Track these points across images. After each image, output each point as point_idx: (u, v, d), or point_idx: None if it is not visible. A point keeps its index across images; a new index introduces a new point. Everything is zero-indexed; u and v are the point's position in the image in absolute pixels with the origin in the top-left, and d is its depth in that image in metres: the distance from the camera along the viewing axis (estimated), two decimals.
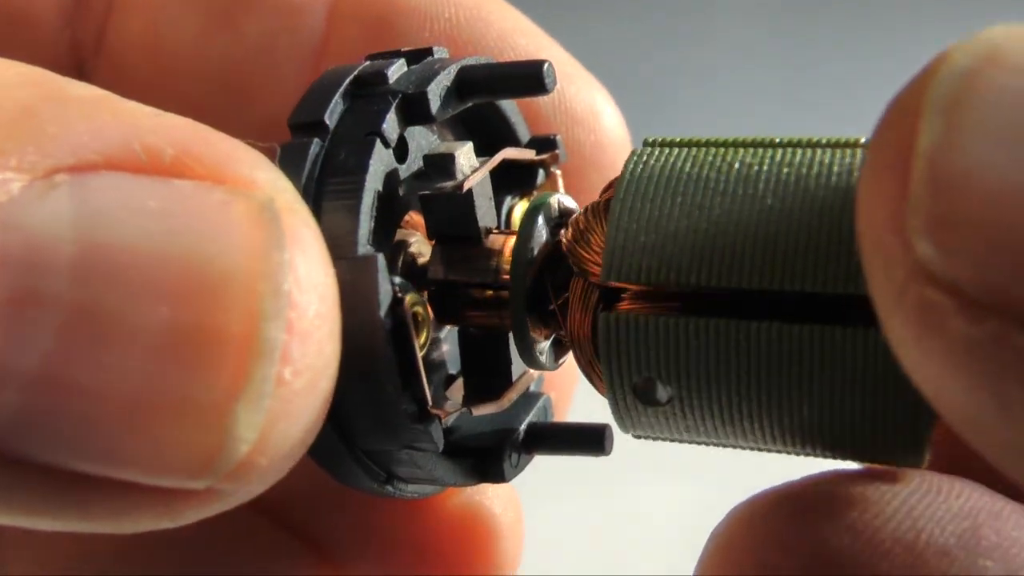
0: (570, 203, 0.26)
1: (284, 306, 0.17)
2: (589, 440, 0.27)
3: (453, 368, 0.29)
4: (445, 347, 0.29)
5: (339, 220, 0.22)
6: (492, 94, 0.26)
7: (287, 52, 0.31)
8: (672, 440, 0.23)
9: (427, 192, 0.25)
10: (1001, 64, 0.15)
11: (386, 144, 0.24)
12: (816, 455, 0.22)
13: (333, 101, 0.24)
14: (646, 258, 0.20)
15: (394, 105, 0.24)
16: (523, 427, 0.27)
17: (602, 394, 0.23)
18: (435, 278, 0.26)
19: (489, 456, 0.26)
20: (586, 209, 0.23)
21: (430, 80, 0.24)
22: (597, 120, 0.32)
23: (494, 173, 0.26)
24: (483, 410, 0.26)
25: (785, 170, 0.20)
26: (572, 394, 0.34)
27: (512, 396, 0.27)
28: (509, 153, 0.27)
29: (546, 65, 0.25)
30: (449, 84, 0.25)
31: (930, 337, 0.15)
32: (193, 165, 0.18)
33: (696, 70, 1.03)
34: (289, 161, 0.23)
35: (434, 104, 0.24)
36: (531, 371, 0.28)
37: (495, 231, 0.26)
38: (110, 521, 0.19)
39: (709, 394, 0.21)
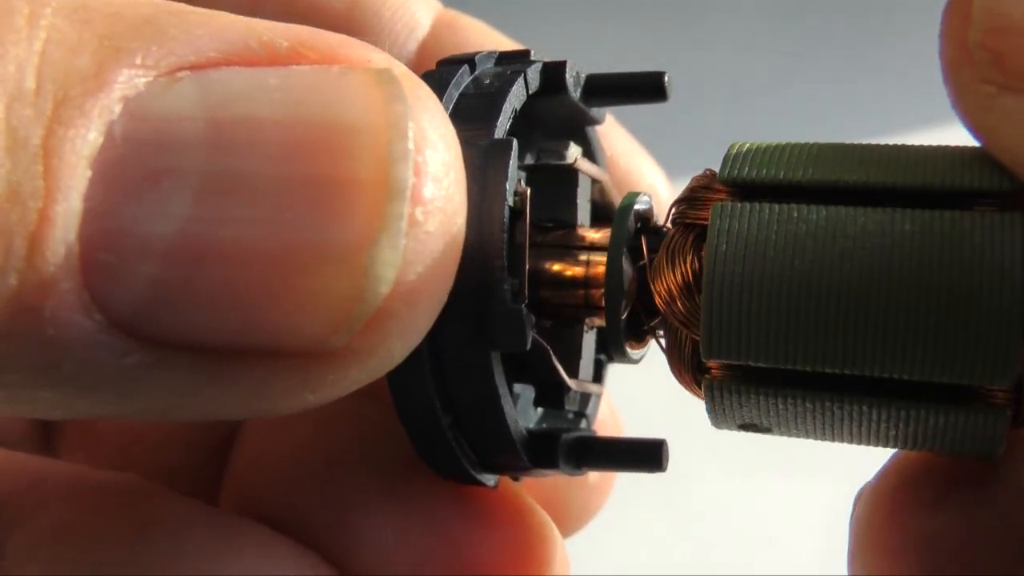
0: (651, 203, 0.26)
1: (410, 150, 0.18)
2: (645, 456, 0.26)
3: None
4: None
5: (474, 116, 0.23)
6: (615, 98, 0.27)
7: None
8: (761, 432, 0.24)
9: (535, 163, 0.26)
10: None
11: (526, 87, 0.25)
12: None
13: (462, 68, 0.25)
14: (744, 341, 0.21)
15: (536, 65, 0.25)
16: (573, 437, 0.27)
17: (694, 395, 0.24)
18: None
19: (545, 438, 0.25)
20: (668, 244, 0.23)
21: (563, 63, 0.26)
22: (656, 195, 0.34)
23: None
24: (558, 371, 0.25)
25: (869, 252, 0.20)
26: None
27: (585, 386, 0.27)
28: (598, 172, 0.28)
29: (666, 75, 0.26)
30: (580, 71, 0.26)
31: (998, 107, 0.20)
32: (308, 53, 0.19)
33: (695, 71, 1.03)
34: (429, 79, 0.24)
35: (569, 77, 0.26)
36: (592, 384, 0.28)
37: (586, 229, 0.27)
38: (251, 399, 0.19)
39: (804, 434, 0.23)
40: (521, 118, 0.25)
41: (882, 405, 0.21)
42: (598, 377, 0.30)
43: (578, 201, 0.27)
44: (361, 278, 0.18)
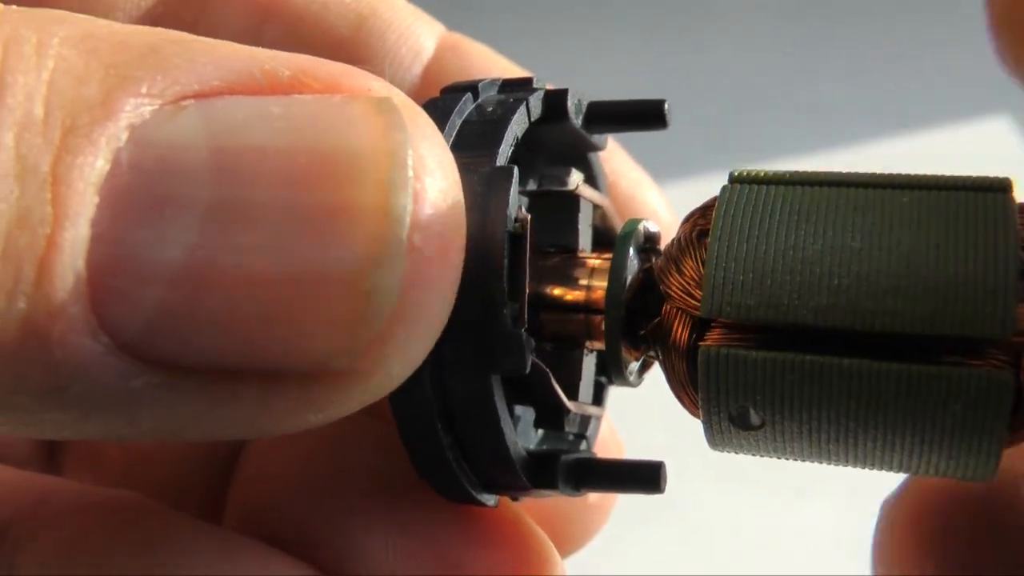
0: (654, 228, 0.27)
1: (409, 177, 0.18)
2: (643, 477, 0.26)
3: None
4: None
5: (477, 144, 0.24)
6: (616, 125, 0.28)
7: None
8: (759, 456, 0.24)
9: (537, 189, 0.26)
10: None
11: (528, 115, 0.25)
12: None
13: (465, 96, 0.25)
14: (744, 296, 0.21)
15: (539, 93, 0.26)
16: (572, 459, 0.27)
17: (691, 414, 0.24)
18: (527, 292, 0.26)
19: (545, 459, 0.26)
20: (678, 240, 0.24)
21: (564, 91, 0.26)
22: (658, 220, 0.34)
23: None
24: (558, 394, 0.26)
25: (871, 213, 0.21)
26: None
27: (585, 408, 0.27)
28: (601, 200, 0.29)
29: (666, 103, 0.27)
30: (581, 99, 0.27)
31: None
32: (310, 82, 0.19)
33: (694, 73, 1.03)
34: (433, 107, 0.24)
35: (571, 104, 0.26)
36: (592, 407, 0.29)
37: (587, 254, 0.27)
38: (255, 419, 0.19)
39: (799, 422, 0.22)
40: (523, 145, 0.25)
41: (882, 370, 0.21)
42: (598, 399, 0.30)
43: (579, 227, 0.28)
44: (362, 302, 0.18)
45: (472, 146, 0.24)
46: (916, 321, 0.20)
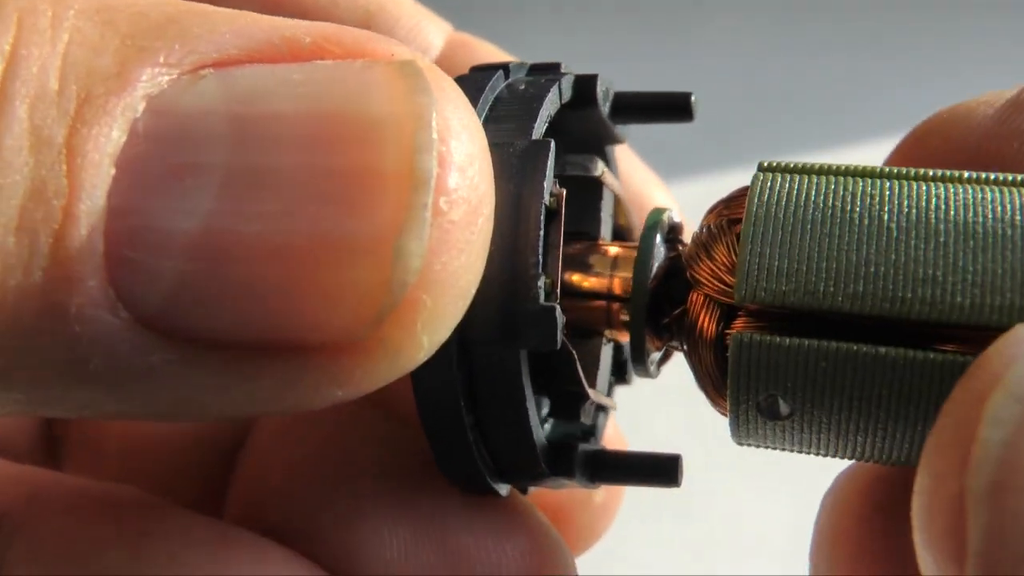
0: (677, 219, 0.27)
1: (434, 140, 0.18)
2: (660, 470, 0.26)
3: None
4: None
5: (510, 118, 0.23)
6: (642, 115, 0.27)
7: None
8: (782, 450, 0.24)
9: (562, 174, 0.26)
10: None
11: (560, 96, 0.25)
12: None
13: (498, 73, 0.25)
14: (780, 281, 0.21)
15: (569, 77, 0.25)
16: (588, 450, 0.26)
17: (714, 404, 0.24)
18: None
19: (562, 447, 0.25)
20: (708, 227, 0.24)
21: (594, 76, 0.26)
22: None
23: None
24: (580, 379, 0.25)
25: (905, 205, 0.21)
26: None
27: (602, 399, 0.27)
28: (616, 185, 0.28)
29: (693, 96, 0.27)
30: (609, 87, 0.26)
31: None
32: (332, 48, 0.19)
33: (692, 73, 1.04)
34: (464, 82, 0.24)
35: (600, 91, 0.26)
36: (608, 399, 0.28)
37: (608, 242, 0.27)
38: (279, 395, 0.19)
39: (829, 412, 0.22)
40: (549, 128, 0.25)
41: (917, 359, 0.21)
42: (608, 394, 0.30)
43: (602, 215, 0.27)
44: (387, 269, 0.18)
45: (506, 120, 0.24)
46: (953, 311, 0.20)
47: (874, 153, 0.25)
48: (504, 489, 0.26)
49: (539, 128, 0.24)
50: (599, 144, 0.29)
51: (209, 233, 0.17)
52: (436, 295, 0.19)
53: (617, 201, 0.28)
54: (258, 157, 0.18)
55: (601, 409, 0.29)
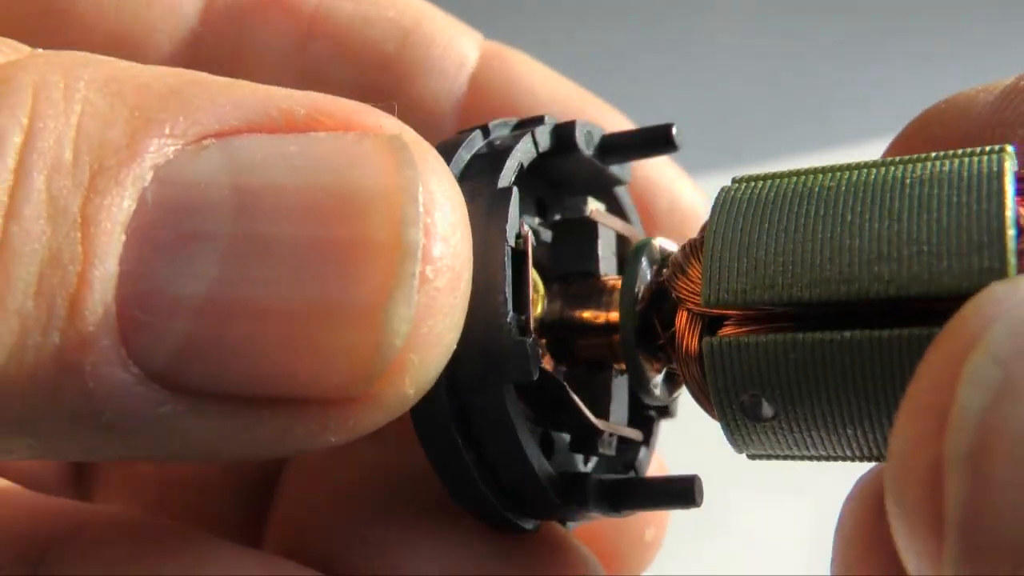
0: (670, 246, 0.27)
1: (420, 213, 0.19)
2: (678, 493, 0.27)
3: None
4: None
5: (482, 172, 0.25)
6: (630, 154, 0.29)
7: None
8: (784, 456, 0.24)
9: (558, 220, 0.28)
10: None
11: (535, 145, 0.26)
12: None
13: (475, 133, 0.26)
14: (740, 281, 0.22)
15: (546, 126, 0.27)
16: (607, 480, 0.27)
17: (714, 418, 0.24)
18: (551, 317, 0.27)
19: (574, 477, 0.26)
20: (683, 247, 0.25)
21: (572, 123, 0.27)
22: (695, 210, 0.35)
23: None
24: (575, 404, 0.26)
25: (862, 190, 0.21)
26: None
27: (617, 429, 0.28)
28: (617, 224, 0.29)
29: (674, 127, 0.28)
30: (590, 131, 0.27)
31: None
32: (324, 120, 0.20)
33: (690, 72, 1.03)
34: (442, 145, 0.25)
35: (580, 135, 0.27)
36: (626, 428, 0.29)
37: (608, 276, 0.28)
38: (277, 442, 0.20)
39: (811, 405, 0.22)
40: (546, 181, 0.26)
41: (882, 338, 0.20)
42: (647, 431, 0.30)
43: (599, 252, 0.28)
44: (378, 333, 0.19)
45: (478, 174, 0.25)
46: (912, 282, 0.20)
47: (872, 153, 0.25)
48: (530, 524, 0.27)
49: (506, 176, 0.25)
50: (602, 188, 0.30)
51: (213, 297, 0.19)
52: (423, 355, 0.20)
53: (621, 237, 0.29)
54: (259, 226, 0.19)
55: (627, 442, 0.30)
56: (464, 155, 0.26)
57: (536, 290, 0.26)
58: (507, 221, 0.24)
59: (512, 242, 0.24)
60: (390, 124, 0.21)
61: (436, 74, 0.33)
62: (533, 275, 0.25)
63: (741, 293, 0.22)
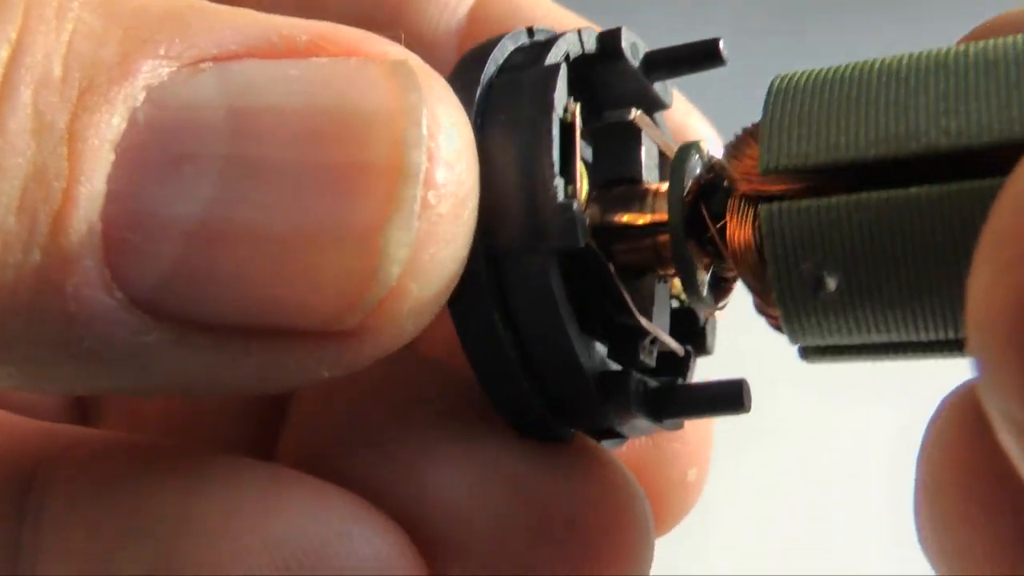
0: (715, 151, 0.26)
1: (423, 136, 0.19)
2: (725, 398, 0.25)
3: None
4: None
5: (526, 59, 0.24)
6: (675, 70, 0.27)
7: None
8: (844, 349, 0.23)
9: (600, 126, 0.26)
10: None
11: (581, 44, 0.25)
12: None
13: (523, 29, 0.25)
14: (802, 145, 0.21)
15: (591, 31, 0.25)
16: (649, 387, 0.25)
17: (766, 312, 0.23)
18: (591, 222, 0.25)
19: (616, 377, 0.24)
20: (735, 134, 0.24)
21: (618, 30, 0.26)
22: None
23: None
24: (617, 286, 0.25)
25: (923, 60, 0.21)
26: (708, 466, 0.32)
27: (658, 333, 0.26)
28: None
29: (721, 41, 0.26)
30: (635, 42, 0.26)
31: None
32: (327, 46, 0.20)
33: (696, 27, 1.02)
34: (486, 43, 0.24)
35: (626, 43, 0.26)
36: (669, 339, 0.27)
37: (651, 183, 0.26)
38: (266, 376, 0.20)
39: (876, 272, 0.20)
40: (586, 98, 0.25)
41: (951, 192, 0.20)
42: (684, 365, 0.29)
43: (643, 160, 0.27)
44: (375, 259, 0.19)
45: (521, 62, 0.24)
46: (981, 133, 0.19)
47: None
48: (566, 431, 0.25)
49: (553, 56, 0.24)
50: (643, 110, 0.28)
51: (205, 219, 0.18)
52: (423, 284, 0.19)
53: (662, 152, 0.28)
54: (255, 149, 0.18)
55: (666, 361, 0.28)
56: (508, 44, 0.25)
57: (581, 177, 0.24)
58: (554, 88, 0.23)
59: (560, 112, 0.23)
60: (395, 51, 0.20)
61: (434, 4, 0.31)
62: (580, 167, 0.24)
63: (803, 156, 0.21)
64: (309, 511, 0.22)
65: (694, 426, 0.30)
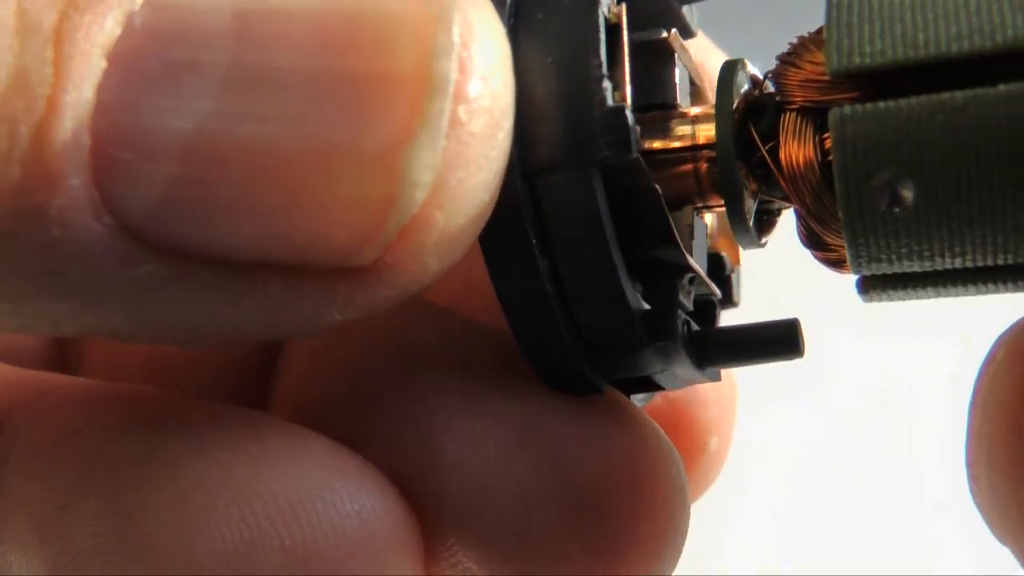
0: (758, 73, 0.24)
1: (455, 44, 0.16)
2: (777, 341, 0.23)
3: None
4: None
5: None
6: None
7: None
8: (910, 281, 0.21)
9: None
10: None
11: None
12: None
13: None
14: (875, 43, 0.19)
15: None
16: (692, 331, 0.23)
17: (822, 241, 0.21)
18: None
19: (661, 314, 0.22)
20: (790, 45, 0.22)
21: None
22: None
23: None
24: (666, 215, 0.22)
25: None
26: (731, 434, 0.30)
27: (704, 277, 0.24)
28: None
29: None
30: None
31: None
32: None
33: None
34: None
35: None
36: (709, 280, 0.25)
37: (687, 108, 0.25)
38: (272, 320, 0.18)
39: (960, 183, 0.19)
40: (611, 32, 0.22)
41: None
42: (710, 314, 0.26)
43: (676, 83, 0.25)
44: (395, 182, 0.16)
45: None
46: None
47: None
48: (601, 382, 0.23)
49: None
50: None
51: (205, 135, 0.16)
52: (450, 214, 0.17)
53: (691, 81, 0.26)
54: (262, 56, 0.16)
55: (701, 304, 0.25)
56: None
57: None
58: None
59: (606, 12, 0.20)
60: None
61: None
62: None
63: (878, 54, 0.19)
64: (288, 461, 0.20)
65: (716, 390, 0.28)
